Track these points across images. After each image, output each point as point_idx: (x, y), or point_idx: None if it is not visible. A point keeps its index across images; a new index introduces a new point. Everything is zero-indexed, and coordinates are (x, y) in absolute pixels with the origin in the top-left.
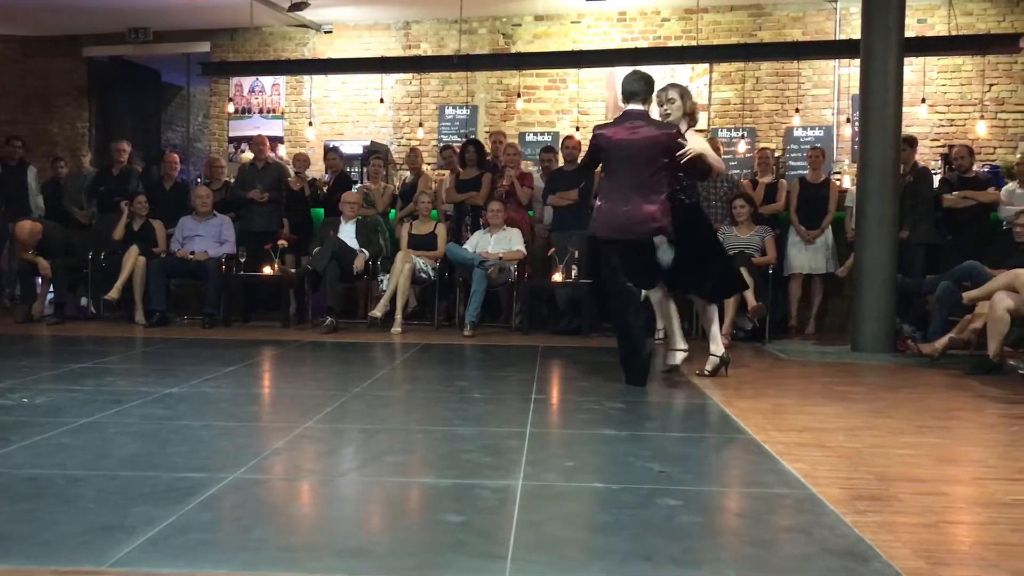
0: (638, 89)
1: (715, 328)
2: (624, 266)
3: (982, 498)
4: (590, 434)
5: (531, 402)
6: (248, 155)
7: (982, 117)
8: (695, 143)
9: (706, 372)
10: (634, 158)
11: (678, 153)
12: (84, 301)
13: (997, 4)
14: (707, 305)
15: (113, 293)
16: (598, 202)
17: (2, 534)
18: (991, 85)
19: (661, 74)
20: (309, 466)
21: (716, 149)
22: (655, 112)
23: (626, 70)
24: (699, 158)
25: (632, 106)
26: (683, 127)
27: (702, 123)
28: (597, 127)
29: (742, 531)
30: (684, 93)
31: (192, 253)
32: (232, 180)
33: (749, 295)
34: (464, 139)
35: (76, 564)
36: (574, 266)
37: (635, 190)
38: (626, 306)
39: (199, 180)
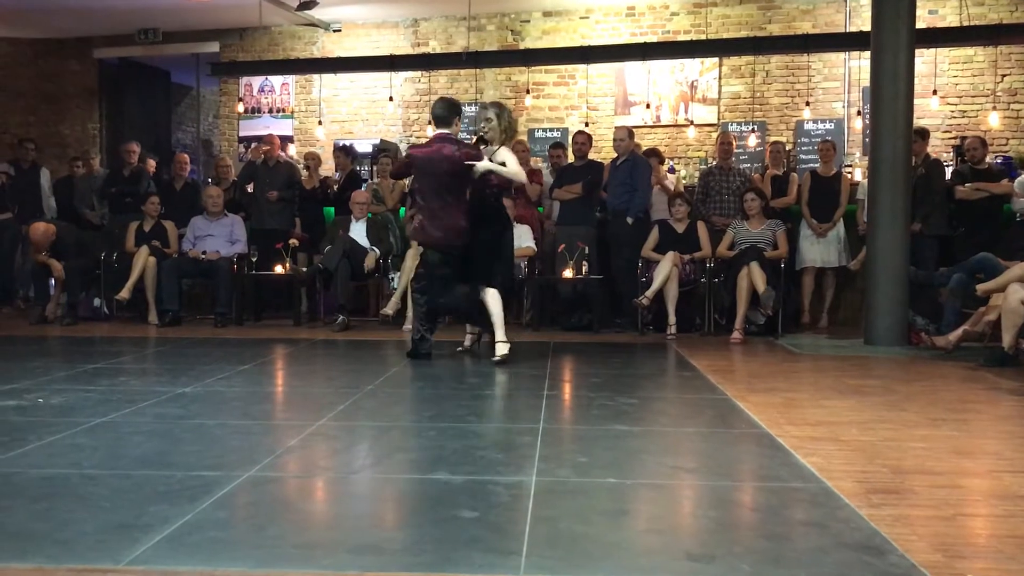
0: (443, 115)
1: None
2: (451, 266)
3: (998, 490)
4: (603, 429)
5: (543, 398)
6: (264, 148)
7: (994, 108)
8: (502, 158)
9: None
10: (438, 175)
11: (471, 168)
12: (97, 302)
13: None
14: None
15: (124, 293)
16: (419, 215)
17: (20, 533)
18: (1003, 76)
19: (670, 68)
20: (323, 463)
21: (525, 162)
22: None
23: (636, 65)
24: (489, 174)
25: (440, 130)
26: (497, 143)
27: (712, 117)
28: (411, 147)
29: (757, 525)
30: (500, 113)
31: (204, 253)
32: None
33: (760, 286)
34: (473, 136)
35: (93, 563)
36: (584, 262)
37: (444, 204)
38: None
39: (209, 180)
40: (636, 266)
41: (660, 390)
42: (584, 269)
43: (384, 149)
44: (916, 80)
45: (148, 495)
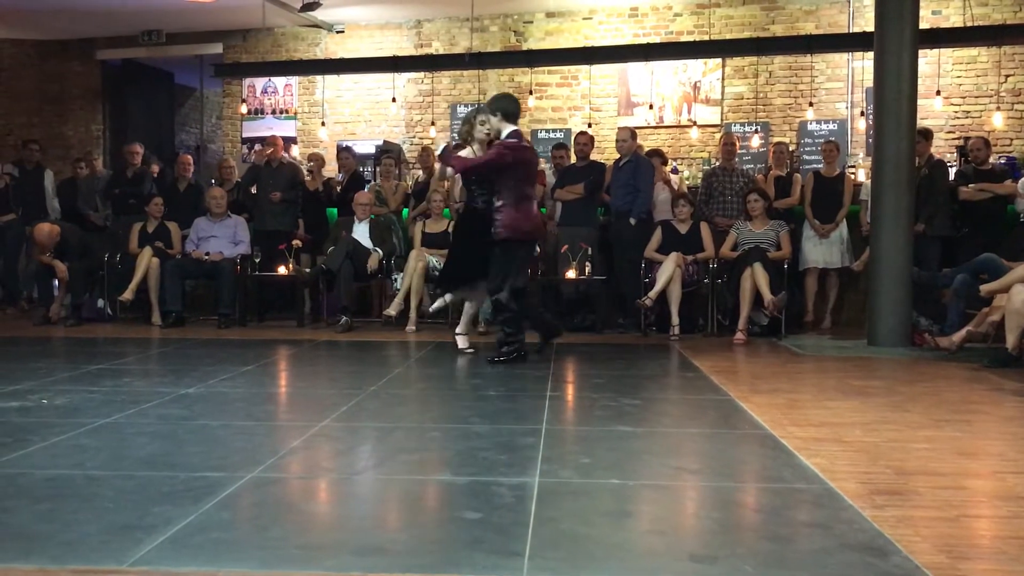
0: (516, 111)
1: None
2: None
3: (1002, 492)
4: (606, 431)
5: (546, 399)
6: (268, 150)
7: (998, 108)
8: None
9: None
10: (533, 171)
11: None
12: (100, 303)
13: None
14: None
15: (127, 294)
16: (510, 208)
17: (23, 534)
18: (1007, 76)
19: (673, 68)
20: (326, 464)
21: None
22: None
23: (639, 66)
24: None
25: (513, 126)
26: (476, 146)
27: (715, 118)
28: (511, 143)
29: (760, 526)
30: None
31: (207, 254)
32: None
33: (764, 289)
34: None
35: (97, 563)
36: (587, 263)
37: (531, 198)
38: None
39: (212, 182)
40: (639, 267)
41: (663, 391)
42: (587, 270)
43: (387, 150)
44: (919, 81)
45: (152, 496)
